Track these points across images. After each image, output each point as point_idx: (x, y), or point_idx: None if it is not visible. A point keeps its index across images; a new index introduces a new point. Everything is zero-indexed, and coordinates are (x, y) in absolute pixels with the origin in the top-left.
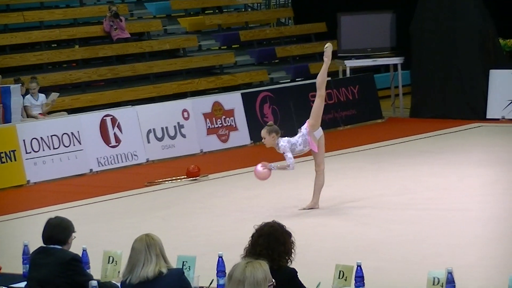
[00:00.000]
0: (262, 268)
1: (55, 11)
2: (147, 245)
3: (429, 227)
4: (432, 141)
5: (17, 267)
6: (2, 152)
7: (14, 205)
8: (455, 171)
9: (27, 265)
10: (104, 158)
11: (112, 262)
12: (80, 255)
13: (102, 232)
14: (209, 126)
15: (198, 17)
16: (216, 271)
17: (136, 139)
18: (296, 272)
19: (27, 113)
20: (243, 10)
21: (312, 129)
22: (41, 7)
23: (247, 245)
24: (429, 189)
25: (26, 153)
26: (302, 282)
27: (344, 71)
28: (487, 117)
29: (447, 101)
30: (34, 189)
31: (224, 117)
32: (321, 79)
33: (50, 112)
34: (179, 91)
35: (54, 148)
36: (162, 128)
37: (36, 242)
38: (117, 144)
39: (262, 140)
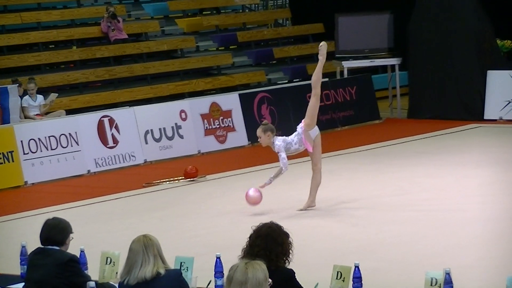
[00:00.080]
0: (261, 268)
1: (52, 12)
2: (144, 246)
3: (427, 228)
4: (430, 142)
5: (15, 268)
6: None
7: (12, 206)
8: (452, 172)
9: (25, 266)
10: (101, 159)
11: (110, 263)
12: (78, 256)
13: (100, 233)
14: (206, 127)
15: (196, 18)
16: (214, 272)
17: (134, 140)
18: (294, 273)
19: (24, 114)
20: (241, 11)
21: (307, 128)
22: (38, 8)
23: (245, 246)
24: (426, 189)
25: (24, 154)
26: (300, 283)
27: (341, 72)
28: (485, 118)
29: (445, 102)
30: (31, 190)
31: (221, 118)
32: (316, 78)
33: (48, 112)
34: (176, 92)
35: (51, 149)
36: (160, 129)
37: (34, 243)
38: (114, 145)
39: (258, 140)
